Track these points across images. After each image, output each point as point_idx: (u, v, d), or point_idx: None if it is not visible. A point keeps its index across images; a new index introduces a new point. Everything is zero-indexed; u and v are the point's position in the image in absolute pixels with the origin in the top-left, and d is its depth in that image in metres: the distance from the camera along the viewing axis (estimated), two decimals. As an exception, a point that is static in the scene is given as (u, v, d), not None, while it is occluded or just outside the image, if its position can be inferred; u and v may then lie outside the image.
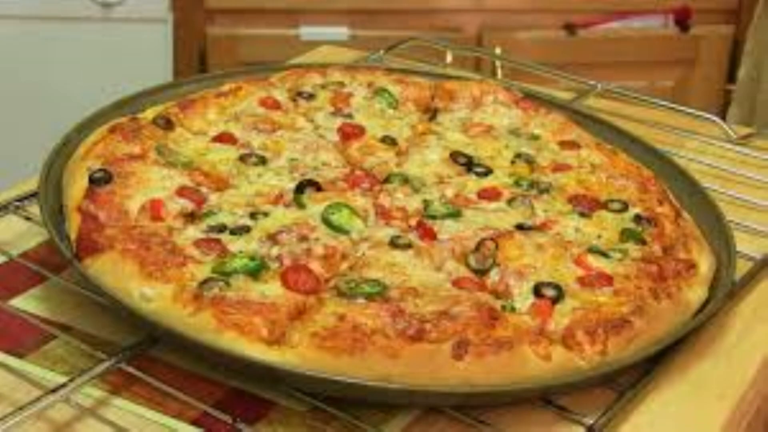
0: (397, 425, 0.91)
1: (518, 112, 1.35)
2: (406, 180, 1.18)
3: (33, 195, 1.14)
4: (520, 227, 1.11)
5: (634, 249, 1.09)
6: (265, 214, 1.08)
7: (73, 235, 1.04)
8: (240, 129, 1.25)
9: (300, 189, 1.13)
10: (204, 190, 1.12)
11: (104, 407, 0.91)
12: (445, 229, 1.09)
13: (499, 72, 1.90)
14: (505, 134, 1.30)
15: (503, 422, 0.92)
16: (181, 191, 1.10)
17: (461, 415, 0.92)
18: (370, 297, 0.96)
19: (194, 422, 0.90)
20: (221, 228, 1.05)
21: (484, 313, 0.95)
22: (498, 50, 2.90)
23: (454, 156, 1.23)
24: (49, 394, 0.88)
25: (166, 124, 1.22)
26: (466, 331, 0.92)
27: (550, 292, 1.00)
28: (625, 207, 1.16)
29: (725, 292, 1.05)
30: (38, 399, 0.88)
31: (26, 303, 1.04)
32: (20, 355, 0.97)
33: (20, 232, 1.13)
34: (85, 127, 1.20)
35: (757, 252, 1.17)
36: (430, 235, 1.08)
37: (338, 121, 1.29)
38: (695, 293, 1.04)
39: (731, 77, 3.03)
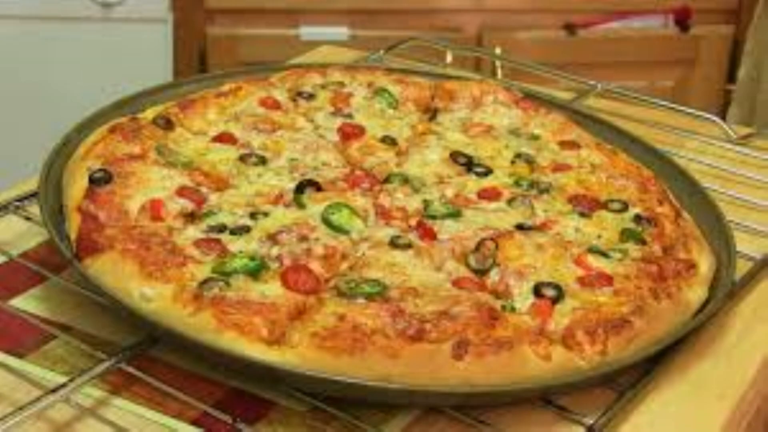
0: (397, 425, 0.91)
1: (518, 112, 1.35)
2: (406, 180, 1.18)
3: (33, 195, 1.14)
4: (520, 227, 1.11)
5: (634, 249, 1.09)
6: (265, 214, 1.08)
7: (73, 235, 1.04)
8: (240, 129, 1.25)
9: (300, 189, 1.13)
10: (204, 190, 1.12)
11: (104, 407, 0.91)
12: (445, 229, 1.09)
13: (499, 72, 1.90)
14: (505, 134, 1.30)
15: (503, 422, 0.92)
16: (181, 191, 1.10)
17: (461, 415, 0.92)
18: (370, 297, 0.96)
19: (194, 422, 0.90)
20: (221, 228, 1.05)
21: (484, 313, 0.95)
22: (498, 50, 2.90)
23: (454, 156, 1.23)
24: (49, 394, 0.88)
25: (166, 124, 1.22)
26: (466, 331, 0.92)
27: (550, 292, 1.00)
28: (625, 207, 1.16)
29: (725, 292, 1.05)
30: (38, 399, 0.88)
31: (26, 303, 1.04)
32: (20, 355, 0.97)
33: (20, 232, 1.13)
34: (85, 127, 1.20)
35: (757, 252, 1.17)
36: (430, 235, 1.08)
37: (338, 121, 1.29)
38: (695, 293, 1.04)
39: (731, 77, 3.03)
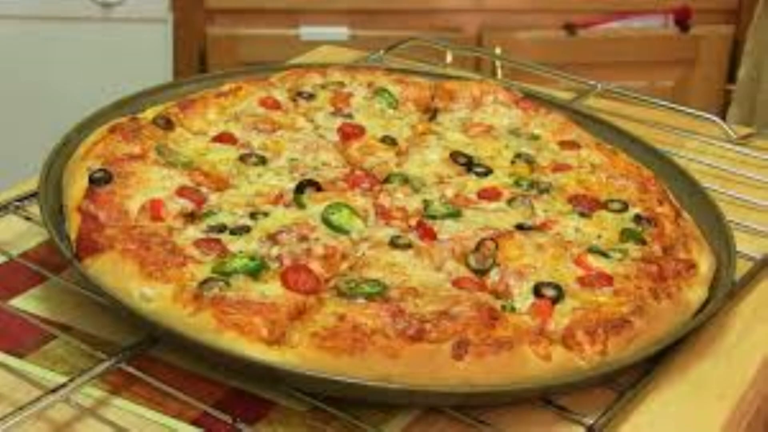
0: (397, 425, 0.91)
1: (518, 112, 1.35)
2: (406, 180, 1.18)
3: (33, 195, 1.14)
4: (520, 227, 1.11)
5: (634, 249, 1.09)
6: (265, 214, 1.08)
7: (73, 235, 1.04)
8: (240, 129, 1.25)
9: (300, 189, 1.13)
10: (204, 190, 1.12)
11: (104, 407, 0.91)
12: (445, 229, 1.09)
13: (499, 72, 1.90)
14: (505, 134, 1.30)
15: (503, 422, 0.92)
16: (181, 191, 1.10)
17: (461, 415, 0.92)
18: (370, 297, 0.96)
19: (194, 422, 0.90)
20: (221, 228, 1.05)
21: (484, 313, 0.95)
22: (498, 50, 2.90)
23: (454, 156, 1.23)
24: (49, 394, 0.88)
25: (166, 124, 1.22)
26: (466, 331, 0.92)
27: (550, 292, 1.00)
28: (625, 207, 1.16)
29: (725, 292, 1.05)
30: (38, 399, 0.88)
31: (26, 303, 1.04)
32: (20, 355, 0.97)
33: (20, 232, 1.13)
34: (85, 127, 1.20)
35: (757, 252, 1.17)
36: (430, 235, 1.08)
37: (338, 121, 1.29)
38: (695, 293, 1.04)
39: (731, 77, 3.03)
